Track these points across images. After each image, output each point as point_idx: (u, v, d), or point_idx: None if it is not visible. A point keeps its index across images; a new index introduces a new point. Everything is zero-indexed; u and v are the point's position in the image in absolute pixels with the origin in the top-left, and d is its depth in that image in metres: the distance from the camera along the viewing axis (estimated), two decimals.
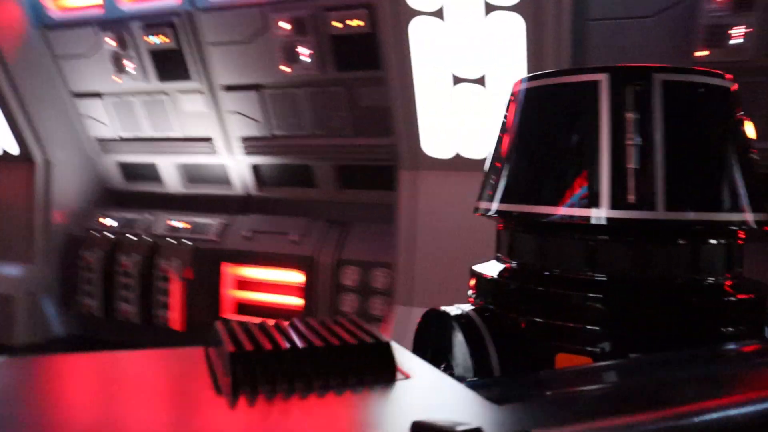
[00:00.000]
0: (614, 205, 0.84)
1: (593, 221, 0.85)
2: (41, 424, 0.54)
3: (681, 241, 0.87)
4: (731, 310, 0.87)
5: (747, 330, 0.87)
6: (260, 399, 0.60)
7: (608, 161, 0.85)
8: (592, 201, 0.85)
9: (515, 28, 3.29)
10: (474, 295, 1.02)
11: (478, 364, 0.86)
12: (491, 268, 1.02)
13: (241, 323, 0.73)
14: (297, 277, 4.50)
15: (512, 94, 1.00)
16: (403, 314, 3.73)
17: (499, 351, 0.87)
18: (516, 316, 0.90)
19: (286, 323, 0.74)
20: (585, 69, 0.90)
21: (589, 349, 0.83)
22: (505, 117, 1.01)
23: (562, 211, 0.87)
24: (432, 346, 0.99)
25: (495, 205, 0.96)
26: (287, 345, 0.65)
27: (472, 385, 0.62)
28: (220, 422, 0.56)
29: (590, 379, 0.74)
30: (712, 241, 0.89)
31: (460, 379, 0.68)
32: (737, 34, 3.09)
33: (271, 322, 0.75)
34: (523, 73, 3.24)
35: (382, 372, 0.64)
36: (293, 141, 4.62)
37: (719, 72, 0.91)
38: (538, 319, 0.87)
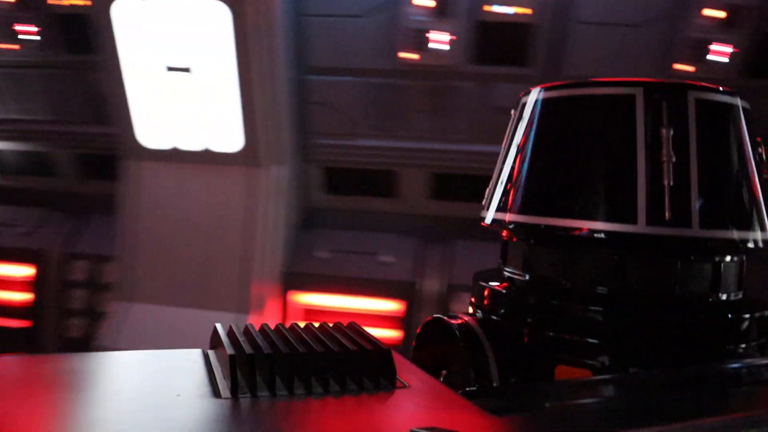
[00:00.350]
0: (650, 222, 0.84)
1: (626, 237, 0.84)
2: (38, 422, 0.55)
3: (694, 258, 0.88)
4: (740, 327, 0.88)
5: (756, 347, 0.88)
6: (259, 403, 0.60)
7: (645, 177, 0.85)
8: (627, 217, 0.85)
9: (221, 17, 3.17)
10: (475, 305, 1.03)
11: (478, 373, 0.87)
12: (494, 278, 1.03)
13: (243, 326, 0.73)
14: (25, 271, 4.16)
15: (526, 102, 0.98)
16: (123, 310, 3.53)
17: (498, 361, 0.88)
18: (516, 326, 0.91)
19: (287, 326, 0.74)
20: (614, 82, 0.90)
21: (588, 362, 0.83)
22: (519, 125, 0.99)
23: (593, 225, 0.86)
24: (432, 353, 1.00)
25: (512, 217, 0.94)
26: (287, 349, 0.65)
27: (470, 395, 0.63)
28: (217, 426, 0.56)
29: (589, 392, 0.74)
30: (728, 259, 0.90)
31: (459, 388, 0.69)
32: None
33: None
34: (233, 64, 3.20)
35: (382, 379, 0.65)
36: (24, 126, 4.17)
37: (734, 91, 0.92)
38: (538, 331, 0.88)
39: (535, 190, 0.95)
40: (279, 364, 0.63)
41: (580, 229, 0.87)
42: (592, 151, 0.90)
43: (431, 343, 1.00)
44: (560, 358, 0.85)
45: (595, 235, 0.86)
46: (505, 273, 1.01)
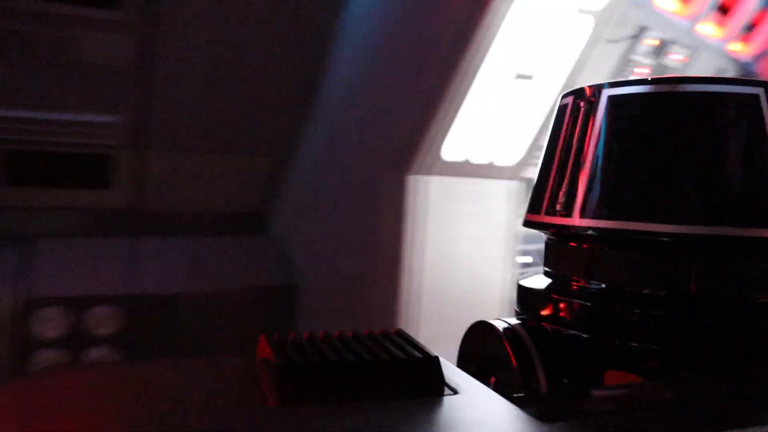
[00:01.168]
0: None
1: (688, 238, 0.83)
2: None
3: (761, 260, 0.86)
4: None
5: None
6: (307, 413, 0.60)
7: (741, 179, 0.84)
8: (734, 220, 0.83)
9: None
10: (520, 309, 1.02)
11: (525, 379, 0.86)
12: (538, 282, 1.02)
13: (290, 335, 0.73)
14: None
15: (592, 100, 0.95)
16: None
17: (545, 366, 0.87)
18: (564, 330, 0.90)
19: (335, 335, 0.74)
20: (704, 79, 0.88)
21: (640, 367, 0.82)
22: (581, 124, 0.96)
23: (660, 228, 0.84)
24: (477, 359, 1.00)
25: (583, 222, 0.91)
26: (336, 358, 0.65)
27: (519, 402, 0.63)
28: None
29: (642, 398, 0.73)
30: None
31: (507, 395, 0.68)
32: None
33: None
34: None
35: (430, 387, 0.65)
36: None
37: None
38: (587, 335, 0.86)
39: (611, 192, 0.91)
40: (328, 374, 0.63)
41: (650, 231, 0.85)
42: (685, 152, 0.88)
43: (476, 349, 0.99)
44: (610, 362, 0.83)
45: (661, 238, 0.84)
46: (551, 276, 1.00)
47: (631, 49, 3.60)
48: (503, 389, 0.84)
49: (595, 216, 0.90)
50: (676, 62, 4.01)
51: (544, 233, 0.99)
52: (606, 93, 0.93)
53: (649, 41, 3.65)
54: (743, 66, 4.63)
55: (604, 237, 0.90)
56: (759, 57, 4.69)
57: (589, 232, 0.90)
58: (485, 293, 3.03)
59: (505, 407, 0.62)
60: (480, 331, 0.98)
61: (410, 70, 2.82)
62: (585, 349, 0.86)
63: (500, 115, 2.98)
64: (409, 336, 0.74)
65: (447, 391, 0.65)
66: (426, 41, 2.75)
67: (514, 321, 0.96)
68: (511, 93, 2.93)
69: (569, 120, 0.98)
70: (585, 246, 0.93)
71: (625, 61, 3.62)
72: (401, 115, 2.82)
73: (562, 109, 1.00)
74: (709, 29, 4.24)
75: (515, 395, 0.77)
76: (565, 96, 1.00)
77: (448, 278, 2.89)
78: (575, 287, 0.92)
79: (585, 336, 0.86)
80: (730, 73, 4.45)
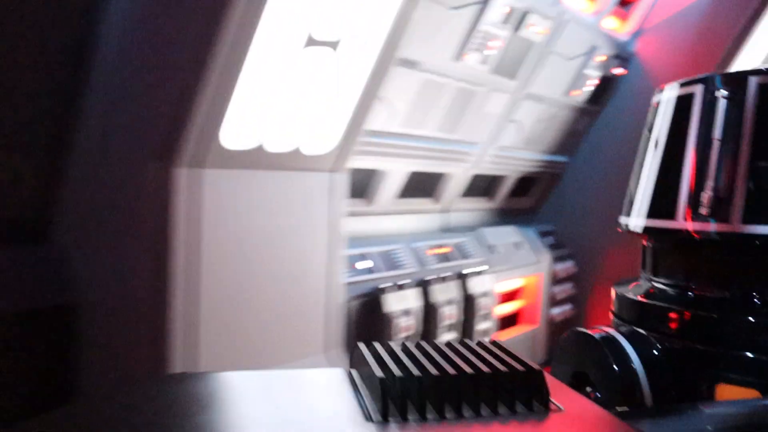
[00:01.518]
0: None
1: None
2: None
3: None
4: None
5: None
6: (410, 427, 0.58)
7: None
8: None
9: None
10: (618, 317, 0.97)
11: (626, 390, 0.82)
12: (639, 290, 0.96)
13: (385, 345, 0.70)
14: None
15: (732, 89, 0.89)
16: None
17: (649, 377, 0.83)
18: (668, 340, 0.86)
19: (429, 346, 0.71)
20: None
21: (757, 381, 0.76)
22: (724, 117, 0.90)
23: None
24: (573, 367, 0.96)
25: (747, 228, 0.86)
26: (436, 371, 0.63)
27: (626, 417, 0.63)
28: None
29: (759, 415, 0.66)
30: None
31: (609, 408, 0.65)
32: None
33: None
34: None
35: (535, 401, 0.62)
36: None
37: None
38: (696, 345, 0.82)
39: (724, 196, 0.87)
40: (429, 387, 0.61)
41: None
42: None
43: (572, 358, 0.96)
44: (722, 375, 0.79)
45: None
46: (652, 282, 0.95)
47: (480, 18, 3.31)
48: (603, 402, 0.84)
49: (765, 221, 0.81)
50: (537, 35, 3.71)
51: (652, 239, 0.94)
52: (755, 81, 0.85)
53: (501, 8, 3.37)
54: (618, 44, 4.29)
55: (746, 244, 0.83)
56: (635, 35, 4.39)
57: (756, 241, 0.81)
58: (306, 295, 2.70)
59: (614, 424, 0.59)
60: (576, 338, 0.96)
61: (168, 44, 2.29)
62: (694, 361, 0.82)
63: (296, 93, 2.42)
64: (506, 347, 0.71)
65: (553, 406, 0.63)
66: (186, 7, 2.23)
67: (612, 330, 0.93)
68: (306, 64, 2.35)
69: (702, 113, 0.88)
70: (711, 252, 0.87)
71: (473, 31, 3.35)
72: (162, 100, 2.31)
73: (682, 100, 0.91)
74: (578, 2, 3.93)
75: (619, 409, 0.78)
76: (683, 85, 0.91)
77: (236, 280, 2.45)
78: (679, 295, 0.87)
79: (696, 347, 0.81)
80: (603, 51, 4.10)
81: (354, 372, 0.71)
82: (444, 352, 0.69)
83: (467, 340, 0.73)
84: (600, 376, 0.87)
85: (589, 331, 0.91)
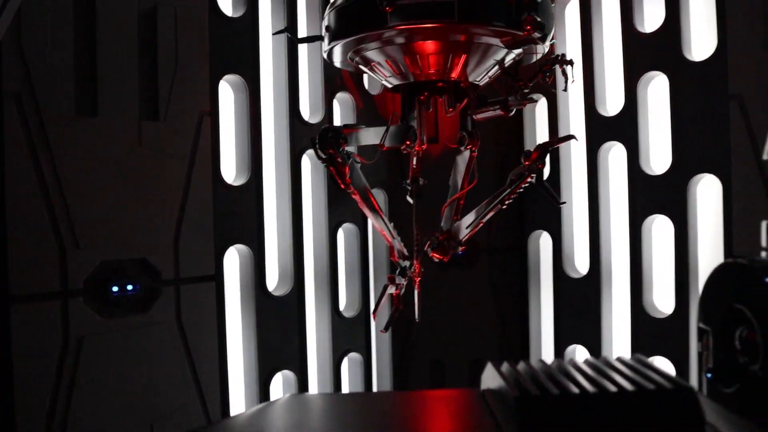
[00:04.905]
0: None
1: None
2: None
3: None
4: None
5: None
6: None
7: None
8: None
9: None
10: None
11: None
12: None
13: (519, 363, 0.66)
14: None
15: None
16: None
17: None
18: None
19: (567, 363, 0.68)
20: None
21: None
22: None
23: None
24: (726, 306, 0.87)
25: None
26: (576, 390, 0.61)
27: None
28: None
29: None
30: None
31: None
32: None
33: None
34: None
35: (689, 422, 0.58)
36: None
37: None
38: None
39: None
40: (569, 407, 0.60)
41: None
42: None
43: (725, 295, 0.88)
44: None
45: None
46: None
47: None
48: (762, 340, 0.76)
49: None
50: None
51: None
52: None
53: None
54: None
55: None
56: None
57: None
58: None
59: None
60: (731, 271, 0.88)
61: None
62: None
63: None
64: (651, 363, 0.70)
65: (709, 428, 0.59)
66: None
67: None
68: None
69: None
70: None
71: None
72: None
73: None
74: None
75: None
76: None
77: None
78: None
79: None
80: None
81: (487, 392, 0.73)
82: (583, 370, 0.69)
83: (607, 357, 0.72)
84: (761, 314, 0.79)
85: (747, 263, 0.85)
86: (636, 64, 3.36)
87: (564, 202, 3.25)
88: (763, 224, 1.00)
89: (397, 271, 2.99)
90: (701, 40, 3.19)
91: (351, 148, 2.90)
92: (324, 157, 2.81)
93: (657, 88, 3.35)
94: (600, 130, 3.51)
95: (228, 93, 3.22)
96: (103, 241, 2.66)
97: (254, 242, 3.20)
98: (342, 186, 2.90)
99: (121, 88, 2.74)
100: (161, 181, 2.86)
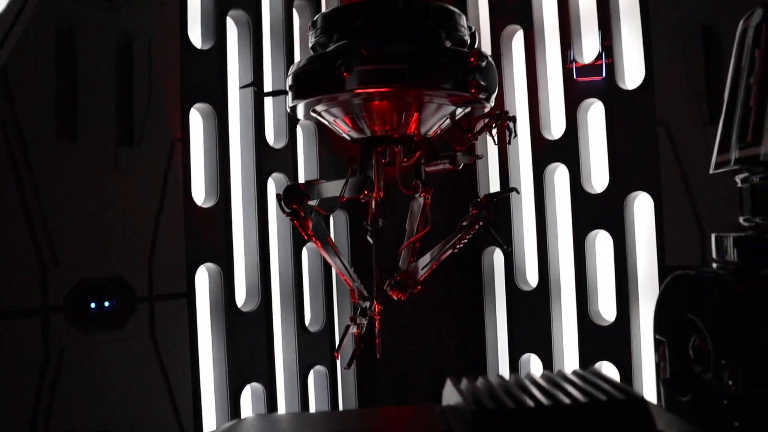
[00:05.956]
0: None
1: None
2: None
3: None
4: None
5: None
6: None
7: None
8: None
9: None
10: (723, 259, 0.89)
11: (745, 342, 0.72)
12: (739, 229, 0.91)
13: (477, 379, 0.68)
14: None
15: None
16: None
17: None
18: None
19: (524, 377, 0.69)
20: None
21: None
22: None
23: None
24: (678, 316, 0.88)
25: None
26: (531, 403, 0.59)
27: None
28: None
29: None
30: None
31: (714, 356, 0.59)
32: None
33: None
34: None
35: (640, 431, 0.57)
36: None
37: None
38: None
39: None
40: (525, 420, 0.59)
41: None
42: None
43: (678, 306, 0.87)
44: None
45: None
46: (759, 220, 0.91)
47: None
48: (713, 349, 0.74)
49: None
50: None
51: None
52: None
53: None
54: None
55: None
56: None
57: None
58: None
59: None
60: (681, 283, 0.85)
61: None
62: None
63: None
64: (605, 375, 0.68)
65: None
66: None
67: (724, 270, 0.83)
68: None
69: None
70: None
71: None
72: None
73: None
74: None
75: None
76: None
77: None
78: None
79: None
80: None
81: (446, 408, 0.69)
82: (539, 383, 0.67)
83: (562, 370, 0.72)
84: (710, 325, 0.79)
85: (695, 274, 0.86)
86: (575, 92, 3.68)
87: (508, 249, 3.42)
88: (713, 237, 1.00)
89: (358, 312, 3.13)
90: (632, 71, 3.53)
91: (313, 202, 3.03)
92: (288, 211, 2.95)
93: (595, 114, 3.67)
94: (545, 152, 3.81)
95: (198, 120, 3.41)
96: (82, 260, 2.80)
97: (223, 261, 3.37)
98: (305, 237, 3.05)
99: (98, 115, 2.91)
100: (136, 203, 3.02)
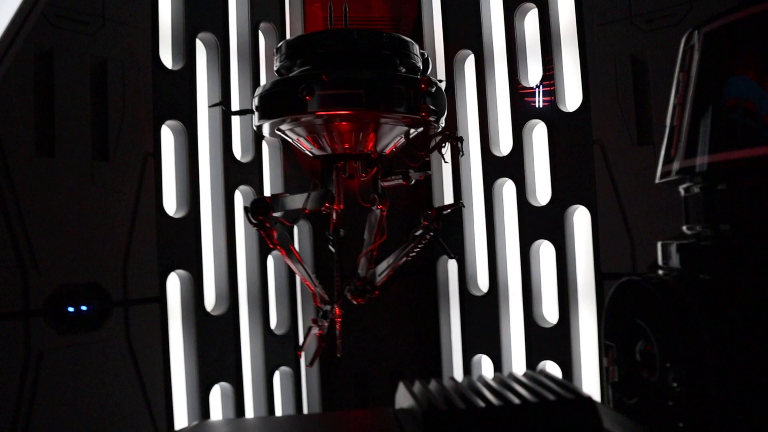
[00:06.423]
0: None
1: None
2: None
3: None
4: None
5: None
6: None
7: None
8: None
9: None
10: (668, 265, 0.89)
11: (686, 347, 0.72)
12: (682, 236, 0.90)
13: (429, 381, 0.70)
14: None
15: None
16: None
17: (714, 332, 0.71)
18: (740, 285, 0.72)
19: (476, 379, 0.70)
20: None
21: None
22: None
23: None
24: (626, 322, 0.90)
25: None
26: (481, 403, 0.61)
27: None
28: None
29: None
30: None
31: (660, 361, 0.59)
32: None
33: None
34: None
35: (588, 430, 0.59)
36: None
37: None
38: None
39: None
40: (476, 420, 0.60)
41: None
42: None
43: (624, 312, 0.88)
44: None
45: None
46: (698, 228, 0.91)
47: None
48: (658, 354, 0.74)
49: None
50: None
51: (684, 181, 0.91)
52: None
53: None
54: None
55: None
56: None
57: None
58: None
59: None
60: (628, 289, 0.86)
61: None
62: None
63: None
64: (554, 376, 0.70)
65: None
66: None
67: (667, 277, 0.83)
68: None
69: None
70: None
71: None
72: None
73: None
74: None
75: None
76: None
77: None
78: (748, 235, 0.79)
79: None
80: None
81: (399, 411, 0.70)
82: (490, 384, 0.70)
83: (513, 372, 0.74)
84: (655, 330, 0.79)
85: (641, 281, 0.85)
86: (521, 113, 4.01)
87: (456, 257, 3.69)
88: (659, 244, 1.02)
89: (320, 314, 3.38)
90: (571, 95, 3.87)
91: (278, 214, 3.28)
92: (255, 222, 3.20)
93: (538, 134, 4.00)
94: (494, 167, 4.11)
95: (169, 136, 3.62)
96: (61, 267, 3.00)
97: (194, 267, 3.59)
98: (270, 246, 3.30)
99: (75, 132, 3.12)
100: (111, 213, 3.23)
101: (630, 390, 0.98)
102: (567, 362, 3.84)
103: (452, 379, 0.74)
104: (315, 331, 3.41)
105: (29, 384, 2.82)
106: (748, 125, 0.85)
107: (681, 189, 1.06)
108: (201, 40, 3.75)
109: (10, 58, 2.85)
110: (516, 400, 0.60)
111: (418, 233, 3.26)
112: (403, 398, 0.70)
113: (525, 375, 0.71)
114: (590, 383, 3.79)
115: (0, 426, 2.74)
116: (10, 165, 2.86)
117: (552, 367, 3.90)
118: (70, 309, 3.00)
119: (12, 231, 2.84)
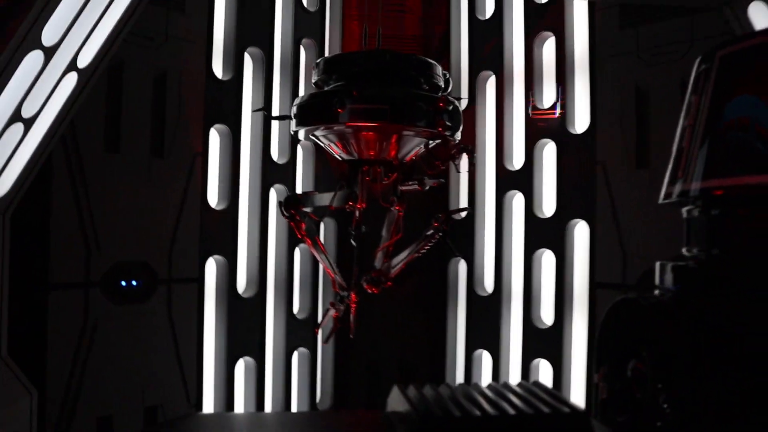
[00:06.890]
0: None
1: None
2: None
3: None
4: None
5: None
6: None
7: None
8: None
9: None
10: (663, 285, 0.91)
11: (681, 366, 0.72)
12: (682, 258, 0.91)
13: (424, 386, 0.71)
14: None
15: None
16: None
17: (709, 351, 0.71)
18: (729, 305, 0.72)
19: (471, 387, 0.72)
20: None
21: None
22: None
23: None
24: (621, 341, 0.89)
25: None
26: (477, 412, 0.60)
27: None
28: None
29: None
30: None
31: (652, 379, 0.59)
32: None
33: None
34: None
35: None
36: None
37: None
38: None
39: None
40: (470, 429, 0.60)
41: None
42: None
43: (619, 330, 0.88)
44: None
45: None
46: (696, 251, 0.92)
47: None
48: (651, 373, 0.74)
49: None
50: None
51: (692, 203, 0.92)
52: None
53: None
54: None
55: None
56: None
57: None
58: None
59: None
60: (623, 308, 0.85)
61: None
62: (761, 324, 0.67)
63: None
64: (550, 388, 0.72)
65: None
66: None
67: (661, 297, 0.85)
68: None
69: None
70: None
71: None
72: None
73: None
74: None
75: None
76: None
77: None
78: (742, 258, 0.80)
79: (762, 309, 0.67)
80: None
81: (392, 415, 0.70)
82: (486, 393, 0.70)
83: (507, 382, 0.75)
84: (649, 348, 0.78)
85: (636, 299, 0.84)
86: (534, 133, 4.36)
87: (459, 256, 3.95)
88: (657, 264, 1.02)
89: (338, 299, 3.78)
90: (580, 119, 4.22)
91: (307, 209, 3.63)
92: (287, 215, 3.59)
93: (548, 152, 4.35)
94: (506, 180, 4.49)
95: (216, 138, 4.10)
96: (118, 246, 3.51)
97: (229, 254, 4.06)
98: (299, 236, 3.71)
99: (137, 132, 3.62)
100: (162, 203, 3.72)
101: (620, 407, 0.99)
102: (558, 361, 4.19)
103: (447, 385, 0.75)
104: (332, 312, 3.81)
105: (85, 344, 3.34)
106: (756, 150, 0.86)
107: (684, 211, 1.07)
108: (249, 53, 4.21)
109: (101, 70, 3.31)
110: (511, 411, 0.61)
111: (429, 233, 3.64)
112: (396, 402, 0.69)
113: (519, 385, 0.72)
114: (578, 382, 4.14)
115: (59, 379, 3.25)
116: (83, 159, 3.36)
117: (545, 366, 4.26)
118: (123, 283, 3.50)
119: (80, 214, 3.35)
